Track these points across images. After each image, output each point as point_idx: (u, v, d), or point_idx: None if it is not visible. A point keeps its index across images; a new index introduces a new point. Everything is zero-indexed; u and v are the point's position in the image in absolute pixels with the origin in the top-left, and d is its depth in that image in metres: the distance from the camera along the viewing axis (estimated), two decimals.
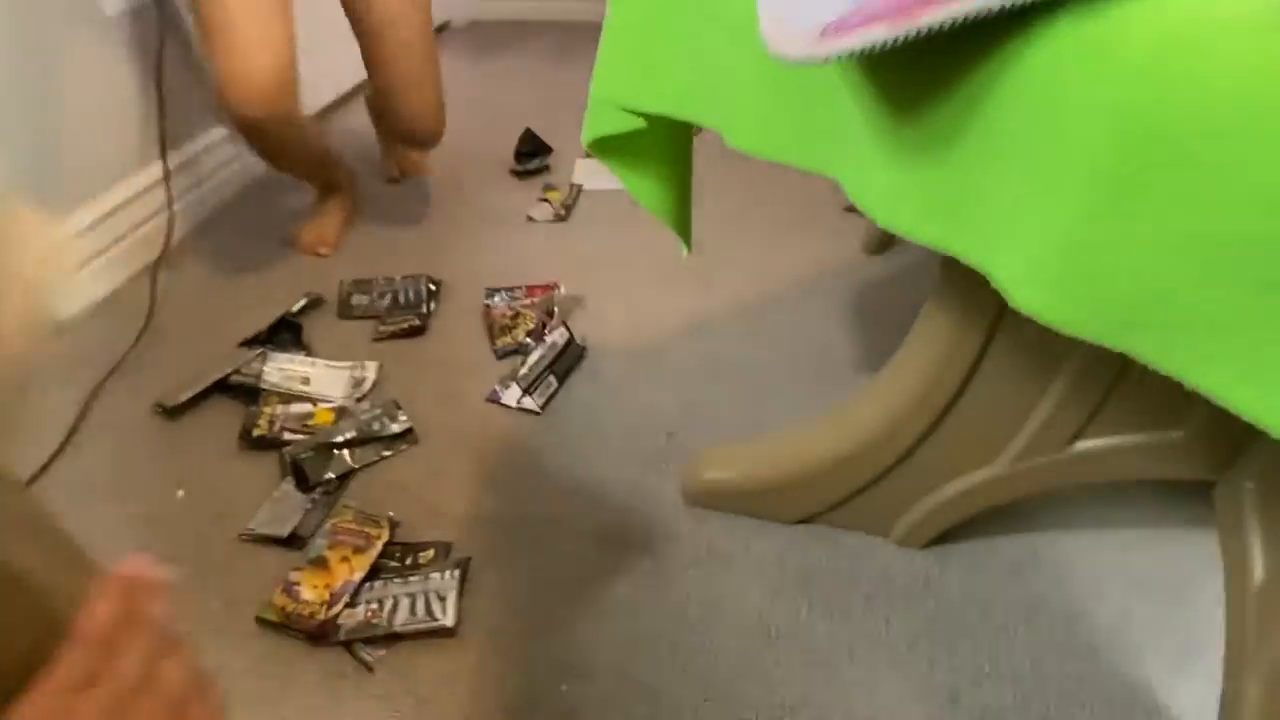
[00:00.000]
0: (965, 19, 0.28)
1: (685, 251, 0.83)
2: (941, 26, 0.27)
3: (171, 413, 1.07)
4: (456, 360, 1.17)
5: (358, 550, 0.88)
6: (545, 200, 1.54)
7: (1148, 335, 0.28)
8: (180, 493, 0.98)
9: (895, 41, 0.28)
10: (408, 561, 0.88)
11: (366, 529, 0.91)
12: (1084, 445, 0.74)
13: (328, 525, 0.91)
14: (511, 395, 1.09)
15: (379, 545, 0.88)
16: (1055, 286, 0.30)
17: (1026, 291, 0.31)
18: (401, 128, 1.37)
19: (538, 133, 1.66)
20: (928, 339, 0.73)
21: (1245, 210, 0.24)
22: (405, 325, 1.22)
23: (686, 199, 0.78)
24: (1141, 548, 0.88)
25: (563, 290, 1.27)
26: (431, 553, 0.89)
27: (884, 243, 1.36)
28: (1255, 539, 0.64)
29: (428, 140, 1.40)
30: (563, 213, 1.51)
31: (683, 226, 0.79)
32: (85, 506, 0.95)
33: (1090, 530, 0.89)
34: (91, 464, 1.02)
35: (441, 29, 2.34)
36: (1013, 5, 0.27)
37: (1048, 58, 0.29)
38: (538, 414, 1.07)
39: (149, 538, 0.92)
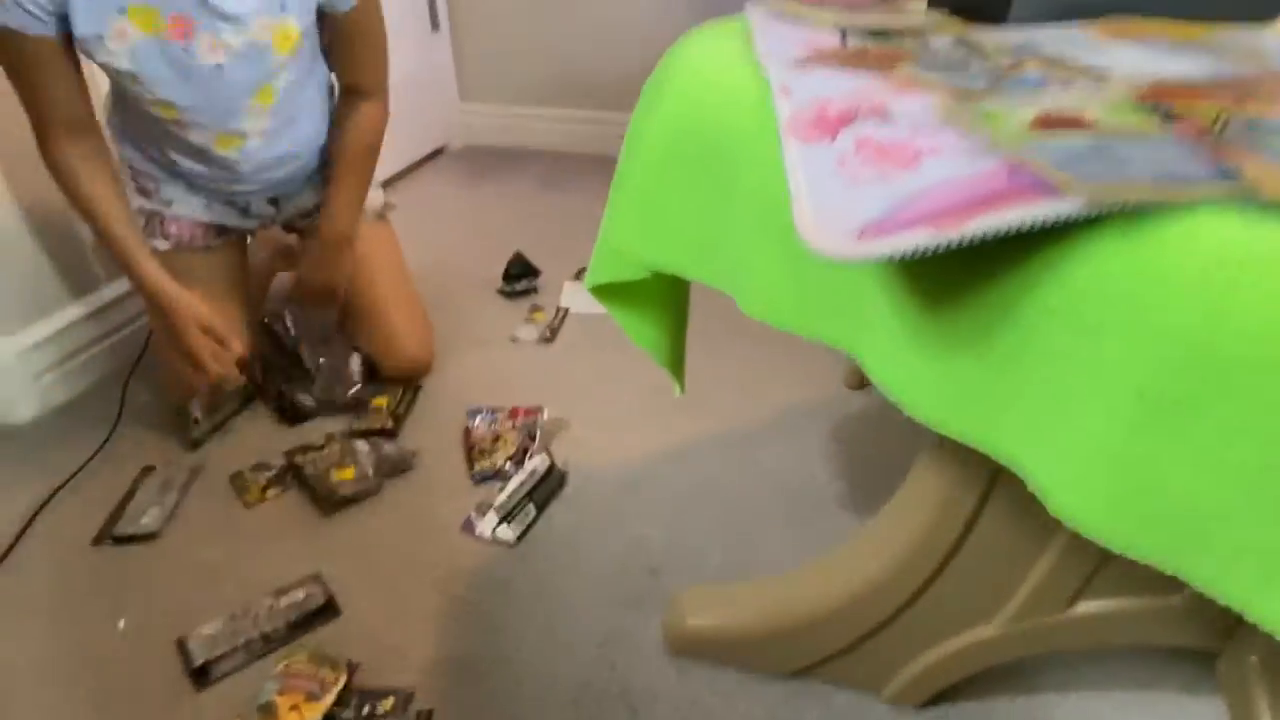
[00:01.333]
0: (1012, 228, 0.28)
1: (678, 390, 0.82)
2: (984, 236, 0.28)
3: (119, 540, 1.01)
4: (431, 483, 1.13)
5: (310, 697, 0.81)
6: (531, 322, 1.55)
7: (1200, 559, 0.27)
8: (121, 623, 0.90)
9: (937, 249, 0.29)
10: (364, 711, 0.81)
11: (322, 673, 0.84)
12: (1083, 607, 0.72)
13: (279, 667, 0.84)
14: (487, 524, 1.04)
15: (334, 692, 0.81)
16: (1099, 498, 0.29)
17: (1067, 499, 0.31)
18: (388, 352, 1.30)
19: (527, 255, 1.70)
20: (922, 492, 0.72)
21: None
22: (378, 426, 1.21)
23: (682, 341, 0.79)
24: (1142, 711, 0.84)
25: (546, 414, 1.25)
26: (391, 701, 0.82)
27: (865, 378, 1.38)
28: (1266, 718, 0.62)
29: (416, 367, 1.33)
30: (549, 335, 1.52)
31: (677, 367, 0.79)
32: (14, 631, 0.87)
33: (1090, 690, 0.86)
34: (28, 585, 0.94)
35: (438, 153, 2.43)
36: (1058, 220, 0.28)
37: (1092, 273, 0.30)
38: (513, 546, 1.03)
39: (80, 671, 0.84)
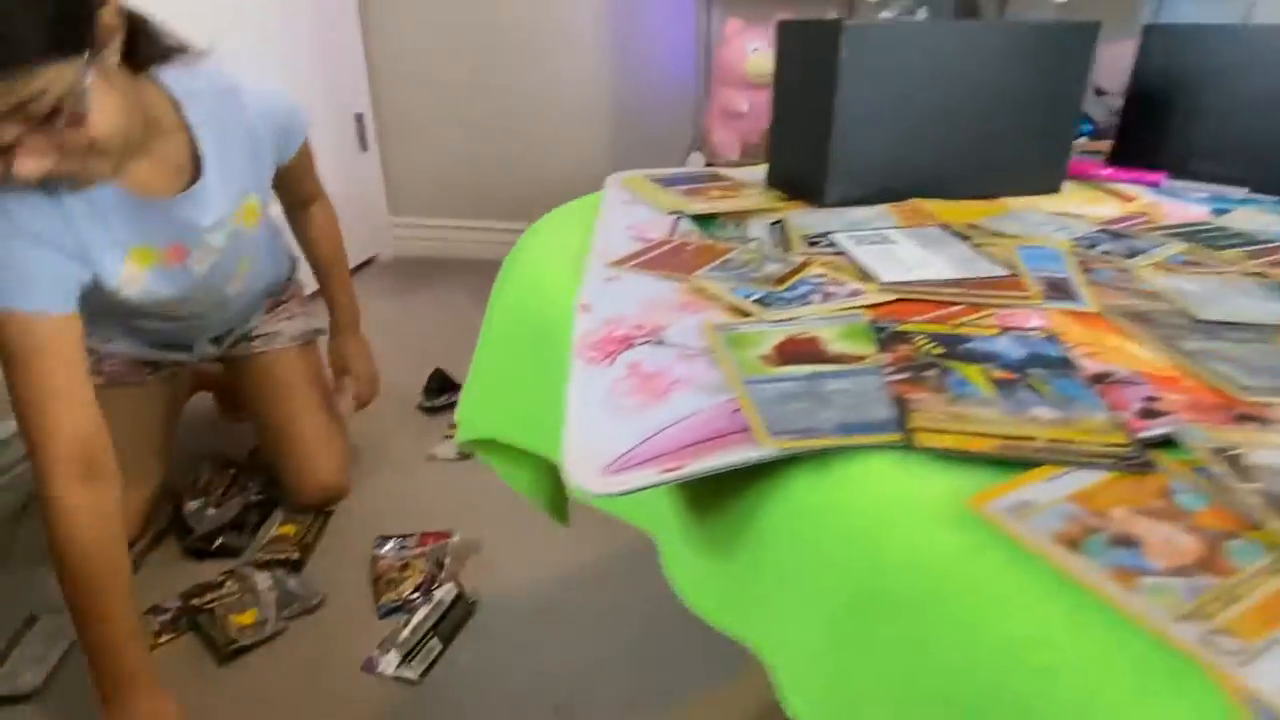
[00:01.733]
0: (718, 470, 0.34)
1: (564, 524, 0.85)
2: (703, 473, 0.34)
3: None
4: (335, 618, 1.12)
5: None
6: (450, 438, 1.57)
7: None
8: None
9: (663, 484, 0.34)
10: None
11: None
12: None
13: None
14: (389, 663, 1.03)
15: None
16: (818, 705, 0.33)
17: (796, 703, 0.35)
18: (302, 479, 1.31)
19: (448, 370, 1.73)
20: None
21: (941, 675, 0.29)
22: (283, 556, 1.20)
23: (560, 484, 0.82)
24: None
25: (457, 537, 1.26)
26: None
27: None
28: None
29: (331, 494, 1.33)
30: (466, 451, 1.53)
31: (557, 509, 0.82)
32: None
33: None
34: None
35: (368, 264, 2.49)
36: (754, 461, 0.34)
37: (789, 510, 0.35)
38: (416, 684, 1.01)
39: None
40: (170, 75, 0.95)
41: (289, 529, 1.27)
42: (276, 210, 1.26)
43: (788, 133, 0.78)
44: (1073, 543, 0.29)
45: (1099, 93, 1.95)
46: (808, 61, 0.72)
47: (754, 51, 1.94)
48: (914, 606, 0.30)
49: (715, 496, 0.39)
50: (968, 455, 0.34)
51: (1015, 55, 0.73)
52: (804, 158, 0.75)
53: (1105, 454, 0.33)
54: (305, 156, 1.21)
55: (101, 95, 0.74)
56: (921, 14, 0.74)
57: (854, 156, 0.71)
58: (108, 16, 0.74)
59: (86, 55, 0.70)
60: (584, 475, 0.37)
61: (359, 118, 2.34)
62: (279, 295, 1.37)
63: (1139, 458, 0.33)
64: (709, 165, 2.09)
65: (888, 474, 0.34)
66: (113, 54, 0.76)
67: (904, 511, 0.32)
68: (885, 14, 0.74)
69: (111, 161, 0.83)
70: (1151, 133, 0.89)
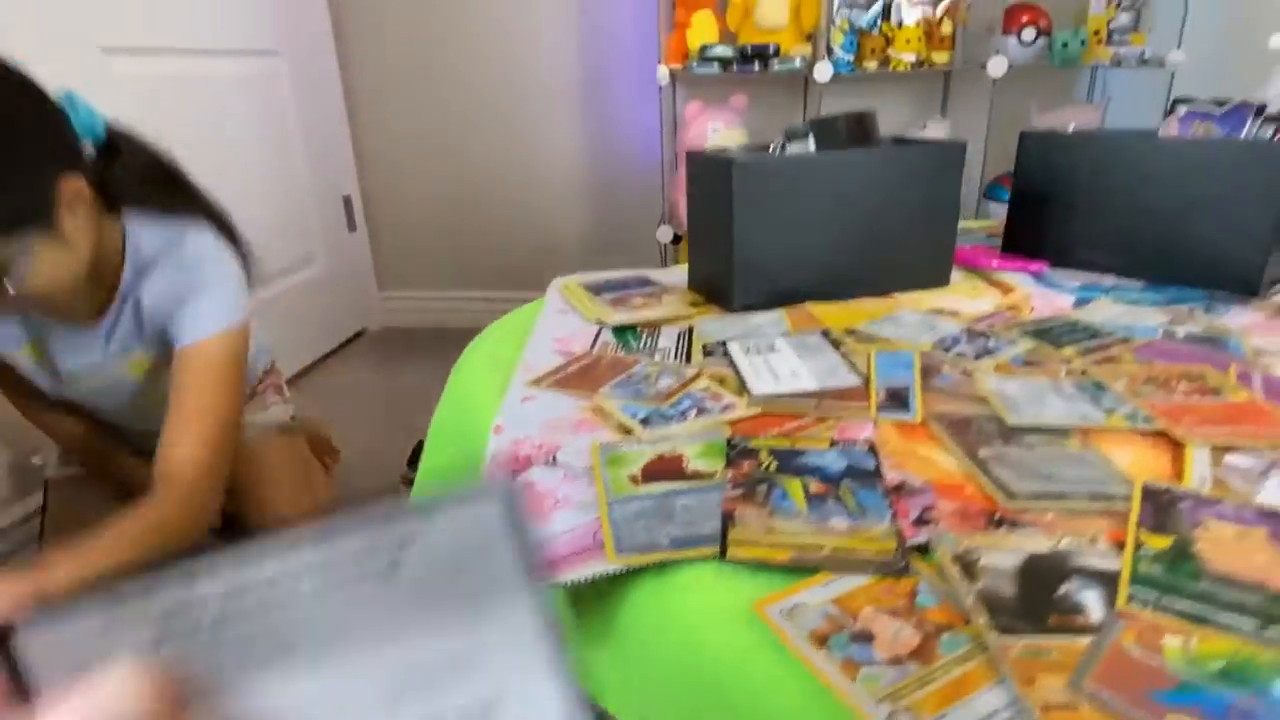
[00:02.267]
0: (577, 581, 0.43)
1: None
2: (571, 582, 0.43)
3: None
4: None
5: None
6: None
7: None
8: None
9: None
10: None
11: None
12: None
13: None
14: None
15: None
16: None
17: None
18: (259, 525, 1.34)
19: None
20: None
21: None
22: None
23: None
24: None
25: None
26: None
27: None
28: None
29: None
30: None
31: None
32: None
33: None
34: None
35: (357, 337, 2.60)
36: (603, 574, 0.43)
37: (637, 614, 0.44)
38: None
39: None
40: (139, 229, 0.96)
41: None
42: None
43: (701, 244, 0.89)
44: (822, 639, 0.37)
45: None
46: (711, 187, 0.83)
47: (714, 131, 2.09)
48: (722, 692, 0.39)
49: (595, 599, 0.48)
50: (769, 565, 0.42)
51: (893, 175, 0.84)
52: (715, 267, 0.85)
53: (874, 560, 0.42)
54: (185, 374, 0.94)
55: (46, 257, 0.76)
56: (810, 143, 0.85)
57: (755, 268, 0.82)
58: (67, 190, 0.75)
59: (30, 229, 0.73)
60: None
61: (346, 200, 2.49)
62: (253, 386, 1.44)
63: (899, 563, 0.42)
64: (676, 236, 2.21)
65: (709, 581, 0.43)
66: (73, 219, 0.77)
67: (715, 614, 0.41)
68: (774, 144, 0.85)
69: (43, 304, 0.90)
70: (1034, 225, 1.00)
